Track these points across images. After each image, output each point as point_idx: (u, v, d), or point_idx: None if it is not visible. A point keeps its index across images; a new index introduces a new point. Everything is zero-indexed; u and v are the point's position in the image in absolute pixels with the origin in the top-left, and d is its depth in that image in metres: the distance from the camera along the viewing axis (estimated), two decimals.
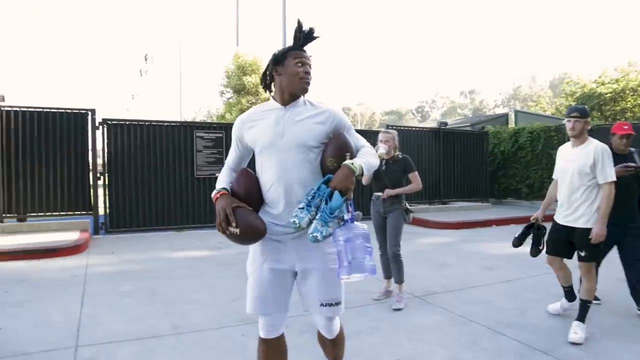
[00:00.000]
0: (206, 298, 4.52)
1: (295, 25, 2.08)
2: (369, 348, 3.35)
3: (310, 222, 1.87)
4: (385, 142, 4.27)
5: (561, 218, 3.65)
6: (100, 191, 8.35)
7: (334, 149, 2.01)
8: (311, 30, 2.08)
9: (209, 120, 28.82)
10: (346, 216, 1.92)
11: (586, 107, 3.65)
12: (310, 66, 2.07)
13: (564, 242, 3.67)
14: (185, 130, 8.70)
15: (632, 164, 3.85)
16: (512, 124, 15.68)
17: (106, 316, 3.96)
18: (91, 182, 8.07)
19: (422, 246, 7.39)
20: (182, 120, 24.14)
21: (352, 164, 1.95)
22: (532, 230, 3.95)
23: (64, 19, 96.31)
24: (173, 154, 8.54)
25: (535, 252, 3.96)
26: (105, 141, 8.10)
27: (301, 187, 2.00)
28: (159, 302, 4.36)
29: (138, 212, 8.29)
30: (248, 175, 2.10)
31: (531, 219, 3.98)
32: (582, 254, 3.46)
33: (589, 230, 3.41)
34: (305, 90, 2.06)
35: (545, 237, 3.90)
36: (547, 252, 3.87)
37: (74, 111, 7.94)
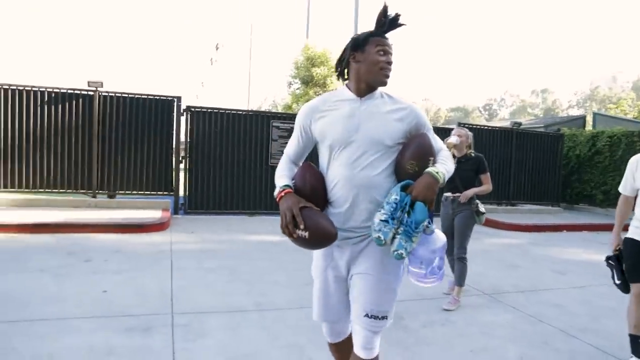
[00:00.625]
0: (284, 280, 4.82)
1: (380, 9, 1.87)
2: (442, 338, 3.49)
3: (394, 236, 1.73)
4: (459, 137, 4.18)
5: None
6: (181, 174, 8.94)
7: (417, 151, 1.82)
8: (397, 16, 1.86)
9: (273, 110, 29.54)
10: (425, 230, 1.80)
11: None
12: (392, 56, 1.87)
13: None
14: (262, 120, 9.10)
15: None
16: (589, 127, 14.96)
17: (194, 289, 4.35)
18: (174, 165, 8.66)
19: (491, 246, 7.35)
20: (256, 109, 24.87)
21: (437, 172, 1.79)
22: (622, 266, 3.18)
23: (138, 9, 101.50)
24: (250, 142, 8.99)
25: (626, 286, 3.16)
26: (189, 127, 8.65)
27: (370, 190, 1.83)
28: (240, 281, 4.70)
29: (215, 195, 8.82)
30: (314, 171, 1.92)
31: (615, 247, 3.21)
32: None
33: None
34: (384, 83, 1.87)
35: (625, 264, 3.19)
36: (635, 281, 3.08)
37: (161, 98, 8.55)
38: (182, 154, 8.79)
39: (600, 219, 10.44)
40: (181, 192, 8.89)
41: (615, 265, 3.20)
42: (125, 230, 6.66)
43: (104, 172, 8.34)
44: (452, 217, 4.26)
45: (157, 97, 8.53)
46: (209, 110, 8.80)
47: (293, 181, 1.91)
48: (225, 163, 8.85)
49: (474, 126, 11.37)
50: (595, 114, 15.70)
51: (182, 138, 8.87)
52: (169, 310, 3.77)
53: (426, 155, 1.83)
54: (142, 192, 8.54)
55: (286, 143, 9.01)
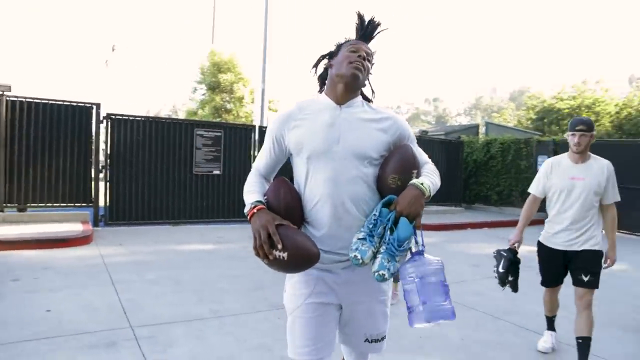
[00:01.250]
0: (229, 287, 4.92)
1: (356, 19, 1.82)
2: (393, 328, 3.87)
3: (374, 255, 1.57)
4: None
5: (561, 242, 3.25)
6: (101, 184, 8.52)
7: (399, 164, 1.67)
8: (373, 24, 1.82)
9: (173, 116, 28.72)
10: (414, 248, 1.64)
11: (591, 120, 3.28)
12: (367, 54, 1.74)
13: (562, 268, 3.32)
14: (186, 128, 8.98)
15: None
16: (482, 134, 16.67)
17: (145, 301, 4.31)
18: (93, 175, 8.24)
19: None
20: (179, 117, 24.03)
21: (422, 184, 1.66)
22: (511, 259, 3.30)
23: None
24: (173, 151, 8.82)
25: (516, 286, 3.33)
26: (109, 135, 8.29)
27: (353, 207, 1.66)
28: (188, 291, 4.73)
29: (137, 205, 8.52)
30: (288, 187, 1.70)
31: (512, 244, 3.36)
32: (587, 278, 3.12)
33: (597, 252, 3.16)
34: (355, 77, 1.68)
35: (539, 268, 3.46)
36: (547, 285, 3.47)
37: (79, 104, 8.09)
38: (103, 162, 8.40)
39: (496, 217, 11.75)
40: (101, 203, 8.47)
41: (507, 256, 3.30)
42: (48, 246, 6.26)
43: (12, 183, 7.69)
44: None
45: (75, 104, 8.06)
46: (131, 118, 8.50)
47: (265, 197, 1.69)
48: (147, 172, 8.60)
49: None
50: (487, 123, 17.56)
51: (103, 146, 8.47)
52: (126, 324, 3.74)
53: (409, 168, 1.68)
54: (57, 205, 8.01)
55: (210, 152, 9.22)
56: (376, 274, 1.55)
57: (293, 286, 1.77)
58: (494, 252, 3.45)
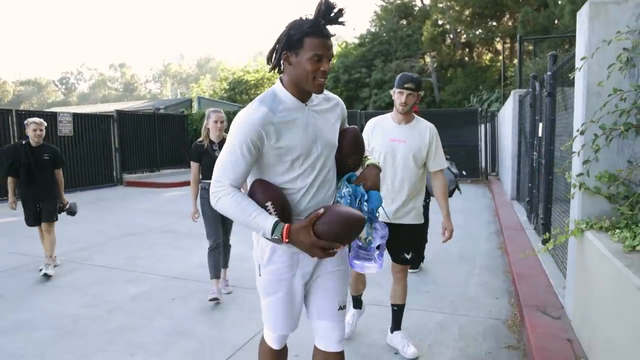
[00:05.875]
0: None
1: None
2: None
3: None
4: (222, 123, 3.93)
5: (386, 214, 2.72)
6: None
7: (355, 147, 1.86)
8: (340, 11, 1.62)
9: None
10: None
11: (420, 77, 2.95)
12: (329, 60, 1.63)
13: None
14: None
15: None
16: (195, 108, 19.73)
17: None
18: None
19: (161, 200, 10.49)
20: None
21: (379, 163, 1.92)
22: None
23: None
24: None
25: None
26: None
27: (334, 192, 1.81)
28: None
29: None
30: (275, 190, 1.68)
31: None
32: (409, 256, 2.87)
33: (419, 226, 2.93)
34: (320, 92, 1.70)
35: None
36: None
37: None
38: None
39: None
40: None
41: None
42: None
43: None
44: None
45: None
46: None
47: (270, 204, 1.63)
48: None
49: (126, 111, 13.84)
50: (199, 98, 20.59)
51: None
52: None
53: (363, 148, 1.90)
54: None
55: None
56: (366, 240, 1.81)
57: (277, 269, 1.77)
58: None
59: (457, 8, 23.67)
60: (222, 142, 3.89)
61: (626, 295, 1.96)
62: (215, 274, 3.93)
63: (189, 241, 6.05)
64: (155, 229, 6.96)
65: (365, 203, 1.75)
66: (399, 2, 26.65)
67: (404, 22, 26.96)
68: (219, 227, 3.97)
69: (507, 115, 9.55)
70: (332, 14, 1.60)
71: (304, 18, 1.62)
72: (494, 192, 9.90)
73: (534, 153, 5.90)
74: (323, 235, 1.55)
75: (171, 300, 3.98)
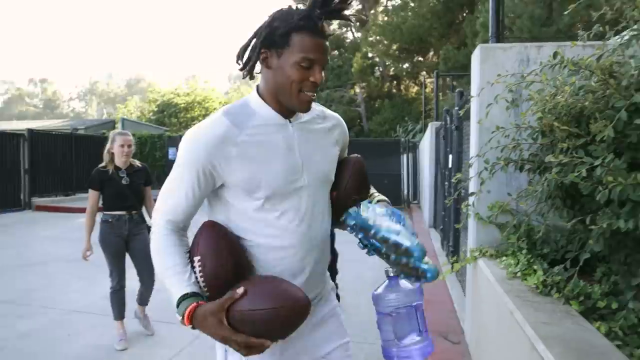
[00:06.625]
0: None
1: None
2: None
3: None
4: (129, 148, 3.60)
5: None
6: None
7: (359, 183, 1.38)
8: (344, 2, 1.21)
9: None
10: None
11: None
12: (323, 68, 1.22)
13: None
14: None
15: None
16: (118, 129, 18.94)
17: None
18: None
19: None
20: None
21: (388, 201, 1.43)
22: None
23: None
24: None
25: None
26: None
27: (326, 244, 1.35)
28: None
29: None
30: (228, 236, 1.22)
31: None
32: None
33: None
34: (303, 110, 1.24)
35: None
36: None
37: None
38: None
39: None
40: None
41: None
42: None
43: None
44: (126, 240, 3.54)
45: None
46: None
47: (199, 259, 1.17)
48: None
49: (39, 130, 13.00)
50: (123, 119, 19.78)
51: None
52: None
53: (368, 185, 1.44)
54: None
55: None
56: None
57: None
58: None
59: (385, 42, 24.73)
60: (129, 168, 3.59)
61: (504, 318, 2.07)
62: (120, 314, 3.57)
63: (95, 270, 5.66)
64: (60, 257, 6.46)
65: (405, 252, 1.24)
66: (331, 34, 27.42)
67: (336, 52, 27.80)
68: (123, 265, 3.56)
69: (426, 146, 9.99)
70: (333, 4, 1.19)
71: (294, 7, 1.22)
72: (413, 220, 10.24)
73: (446, 183, 6.20)
74: (240, 327, 1.10)
75: (67, 336, 3.69)
